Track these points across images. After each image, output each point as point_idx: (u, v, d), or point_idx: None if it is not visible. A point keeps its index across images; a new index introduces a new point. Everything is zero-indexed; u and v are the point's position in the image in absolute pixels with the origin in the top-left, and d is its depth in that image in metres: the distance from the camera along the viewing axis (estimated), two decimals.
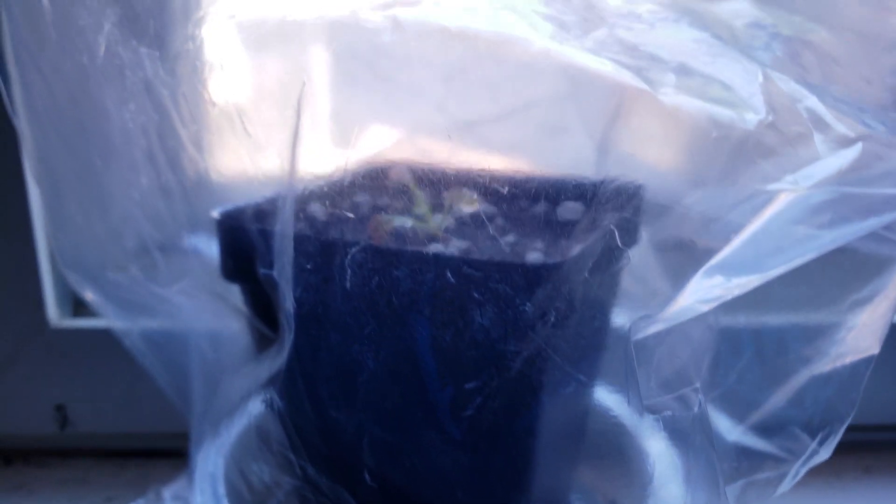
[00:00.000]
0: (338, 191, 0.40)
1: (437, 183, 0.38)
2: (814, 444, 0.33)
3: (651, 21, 0.31)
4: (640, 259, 0.38)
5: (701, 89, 0.28)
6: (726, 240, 0.29)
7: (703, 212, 0.32)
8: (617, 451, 0.39)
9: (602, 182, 0.40)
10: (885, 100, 0.33)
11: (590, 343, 0.32)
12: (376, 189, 0.41)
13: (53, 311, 0.51)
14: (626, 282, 0.37)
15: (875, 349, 0.32)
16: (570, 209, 0.39)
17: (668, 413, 0.25)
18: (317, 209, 0.37)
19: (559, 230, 0.37)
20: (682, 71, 0.28)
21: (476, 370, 0.27)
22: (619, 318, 0.37)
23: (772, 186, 0.26)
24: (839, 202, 0.27)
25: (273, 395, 0.31)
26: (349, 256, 0.27)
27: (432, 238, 0.35)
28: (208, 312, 0.37)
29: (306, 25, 0.29)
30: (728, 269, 0.26)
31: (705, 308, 0.25)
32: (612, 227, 0.28)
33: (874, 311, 0.34)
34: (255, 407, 0.33)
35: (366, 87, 0.33)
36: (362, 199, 0.40)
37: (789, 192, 0.26)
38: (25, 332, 0.50)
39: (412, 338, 0.27)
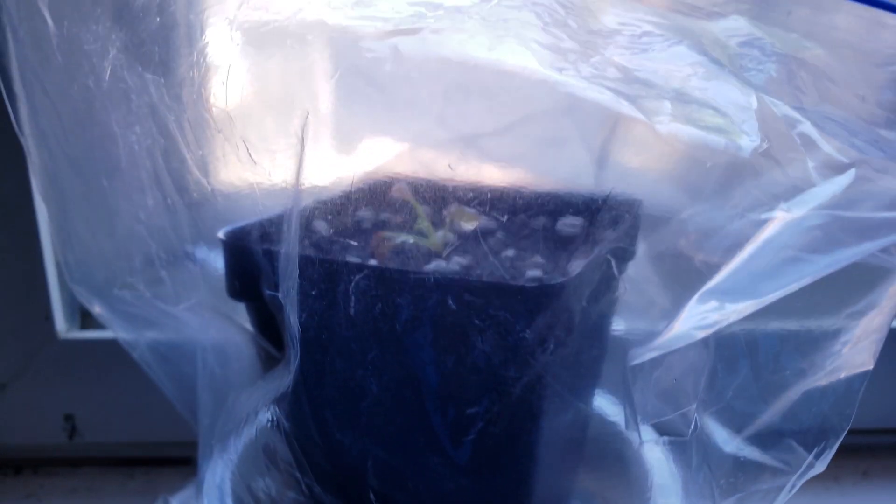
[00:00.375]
0: (341, 207, 0.41)
1: (438, 198, 0.38)
2: (810, 458, 0.34)
3: (648, 44, 0.32)
4: (637, 271, 0.38)
5: (696, 116, 0.28)
6: (723, 254, 0.30)
7: (700, 226, 0.33)
8: (616, 460, 0.40)
9: (600, 197, 0.40)
10: (879, 116, 0.34)
11: (588, 371, 0.33)
12: (379, 204, 0.41)
13: (61, 324, 0.51)
14: (625, 292, 0.38)
15: (869, 365, 0.33)
16: (569, 224, 0.40)
17: (665, 439, 0.26)
18: (321, 226, 0.38)
19: (558, 244, 0.38)
20: (678, 97, 0.29)
21: (477, 395, 0.28)
22: (618, 327, 0.38)
23: (765, 215, 0.26)
24: (833, 226, 0.27)
25: (279, 416, 0.31)
26: (353, 283, 0.28)
27: (434, 255, 0.36)
28: (215, 329, 0.38)
29: (309, 52, 0.30)
30: (723, 293, 0.27)
31: (701, 335, 0.26)
32: (609, 256, 0.28)
33: (868, 325, 0.35)
34: (262, 424, 0.33)
35: (367, 101, 0.33)
36: (365, 214, 0.41)
37: (783, 216, 0.27)
38: (34, 344, 0.51)
39: (415, 364, 0.28)
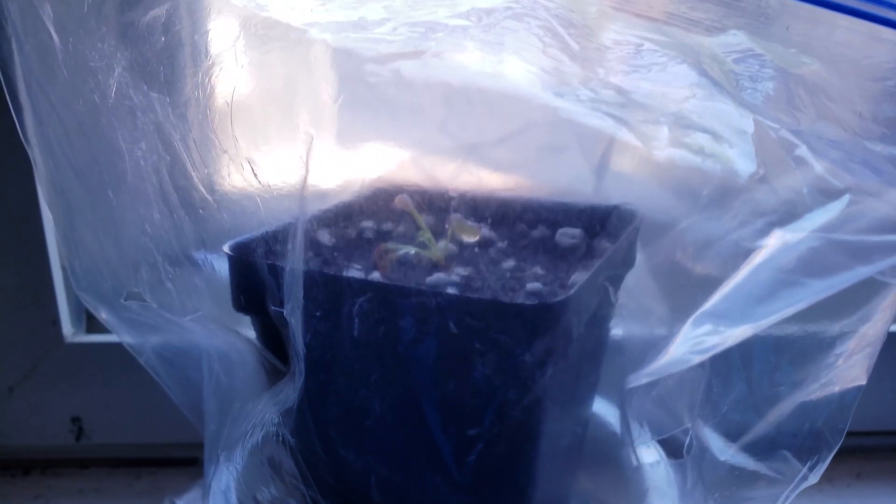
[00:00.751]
0: (344, 217, 0.41)
1: (439, 207, 0.39)
2: (804, 470, 0.34)
3: (647, 64, 0.32)
4: (636, 281, 0.39)
5: (693, 142, 0.29)
6: (720, 266, 0.30)
7: (697, 237, 0.33)
8: (614, 463, 0.41)
9: (599, 208, 0.41)
10: (876, 132, 0.34)
11: (585, 395, 0.33)
12: (381, 214, 0.42)
13: (68, 328, 0.52)
14: (624, 300, 0.39)
15: (863, 380, 0.33)
16: (568, 235, 0.40)
17: (659, 460, 0.26)
18: (324, 236, 0.39)
19: (558, 255, 0.39)
20: (675, 121, 0.29)
21: (478, 417, 0.28)
22: (616, 332, 0.39)
23: (760, 242, 0.27)
24: (827, 249, 0.28)
25: (284, 431, 0.32)
26: (356, 306, 0.29)
27: (436, 266, 0.37)
28: (220, 340, 0.39)
29: (313, 75, 0.30)
30: (718, 317, 0.27)
31: (698, 360, 0.26)
32: (607, 283, 0.29)
33: (863, 338, 0.35)
34: (268, 437, 0.34)
35: (369, 110, 0.34)
36: (368, 224, 0.41)
37: (777, 239, 0.27)
38: (41, 347, 0.52)
39: (417, 385, 0.29)
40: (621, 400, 0.26)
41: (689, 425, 0.28)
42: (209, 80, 0.32)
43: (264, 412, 0.34)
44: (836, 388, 0.34)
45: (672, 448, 0.36)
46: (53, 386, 0.52)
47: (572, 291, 0.29)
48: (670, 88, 0.31)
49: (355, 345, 0.29)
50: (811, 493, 0.52)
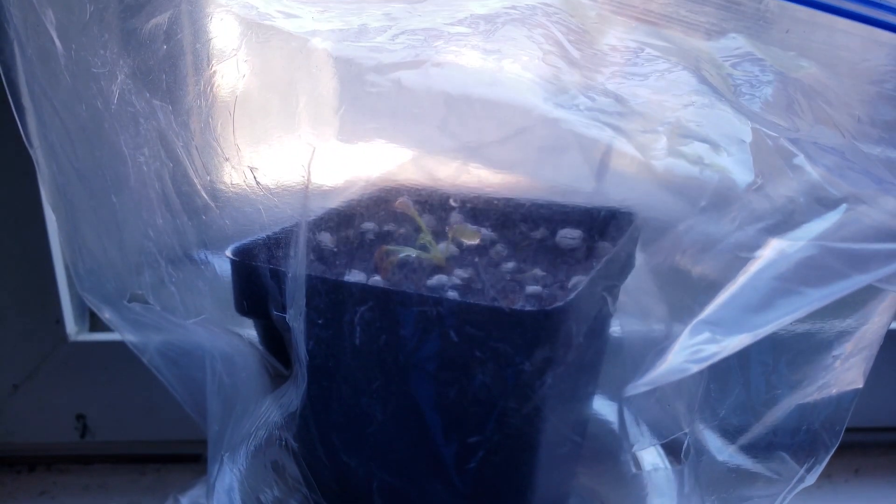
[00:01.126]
0: (345, 219, 0.41)
1: (440, 208, 0.39)
2: (801, 471, 0.35)
3: (647, 71, 0.32)
4: (636, 282, 0.39)
5: (691, 151, 0.29)
6: (720, 269, 0.31)
7: (697, 239, 0.33)
8: (614, 462, 0.41)
9: (599, 209, 0.41)
10: (873, 135, 0.34)
11: (583, 406, 0.34)
12: (382, 216, 0.42)
13: (71, 326, 0.52)
14: (624, 302, 0.39)
15: (859, 383, 0.34)
16: (568, 236, 0.40)
17: (659, 464, 0.27)
18: (325, 238, 0.39)
19: (558, 257, 0.39)
20: (674, 130, 0.29)
21: (478, 425, 0.29)
22: (615, 332, 0.39)
23: (757, 253, 0.27)
24: (824, 258, 0.28)
25: (287, 436, 0.33)
26: (358, 315, 0.29)
27: (437, 268, 0.37)
28: (223, 342, 0.39)
29: (315, 84, 0.30)
30: (715, 325, 0.27)
31: (695, 368, 0.26)
32: (605, 294, 0.29)
33: (860, 340, 0.35)
34: (271, 441, 0.35)
35: (370, 116, 0.34)
36: (369, 226, 0.42)
37: (774, 247, 0.28)
38: (46, 346, 0.52)
39: (418, 393, 0.29)
40: (619, 408, 0.27)
41: (687, 429, 0.28)
42: (211, 88, 0.32)
43: (268, 414, 0.35)
44: (834, 391, 0.34)
45: (671, 450, 0.36)
46: (58, 384, 0.53)
47: (571, 297, 0.29)
48: (669, 96, 0.31)
49: (357, 353, 0.30)
50: (809, 489, 0.52)
